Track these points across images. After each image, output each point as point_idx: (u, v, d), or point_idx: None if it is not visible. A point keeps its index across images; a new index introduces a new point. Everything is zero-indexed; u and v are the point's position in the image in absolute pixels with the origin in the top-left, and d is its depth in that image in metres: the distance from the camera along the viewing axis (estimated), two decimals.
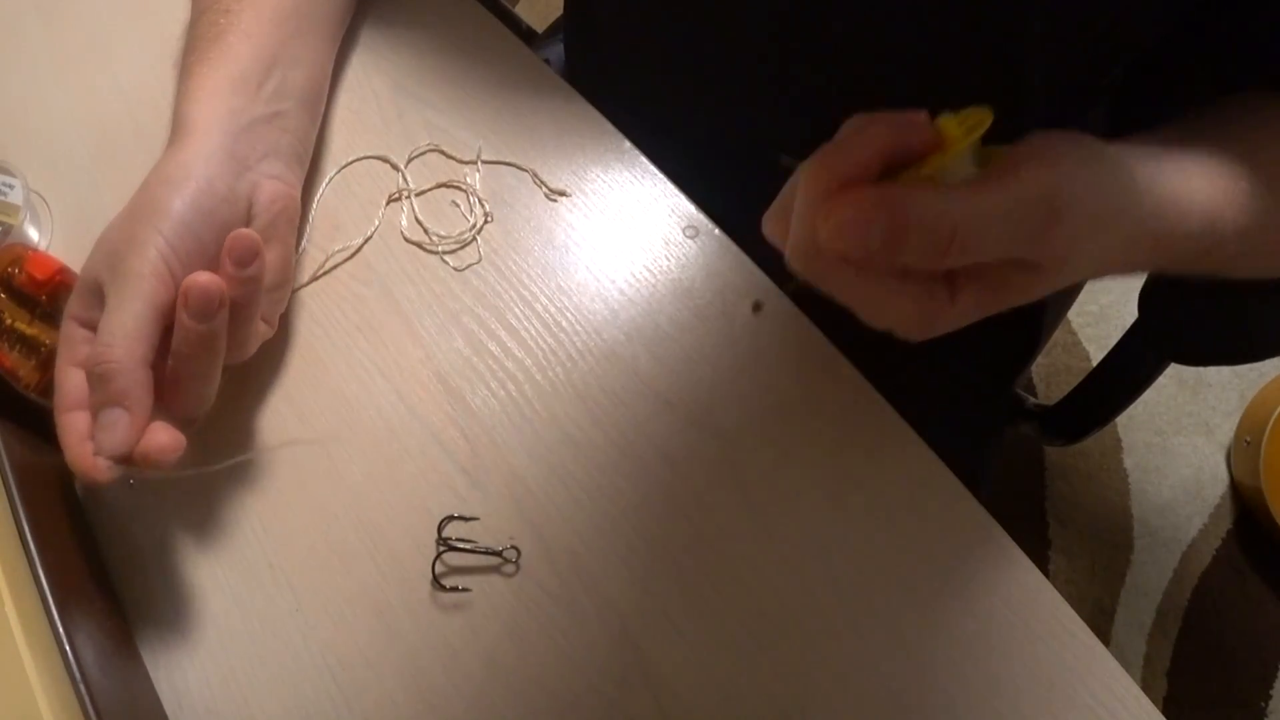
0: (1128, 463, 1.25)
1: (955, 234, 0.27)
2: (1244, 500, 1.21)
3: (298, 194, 0.46)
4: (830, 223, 0.27)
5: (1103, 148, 0.32)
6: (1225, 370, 1.29)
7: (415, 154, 0.51)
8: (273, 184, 0.43)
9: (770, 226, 0.32)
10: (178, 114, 0.43)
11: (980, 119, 0.30)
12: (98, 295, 0.39)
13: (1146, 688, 1.12)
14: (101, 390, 0.36)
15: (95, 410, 0.37)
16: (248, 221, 0.42)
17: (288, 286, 0.45)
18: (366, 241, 0.49)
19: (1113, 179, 0.31)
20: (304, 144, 0.47)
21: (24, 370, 0.43)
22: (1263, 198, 0.36)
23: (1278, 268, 0.40)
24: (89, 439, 0.37)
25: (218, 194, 0.41)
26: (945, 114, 0.30)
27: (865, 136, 0.30)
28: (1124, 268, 0.35)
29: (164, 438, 0.37)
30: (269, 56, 0.45)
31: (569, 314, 0.47)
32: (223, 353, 0.39)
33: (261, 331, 0.43)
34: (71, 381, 0.39)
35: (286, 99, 0.46)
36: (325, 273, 0.48)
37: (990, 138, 0.30)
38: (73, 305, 0.40)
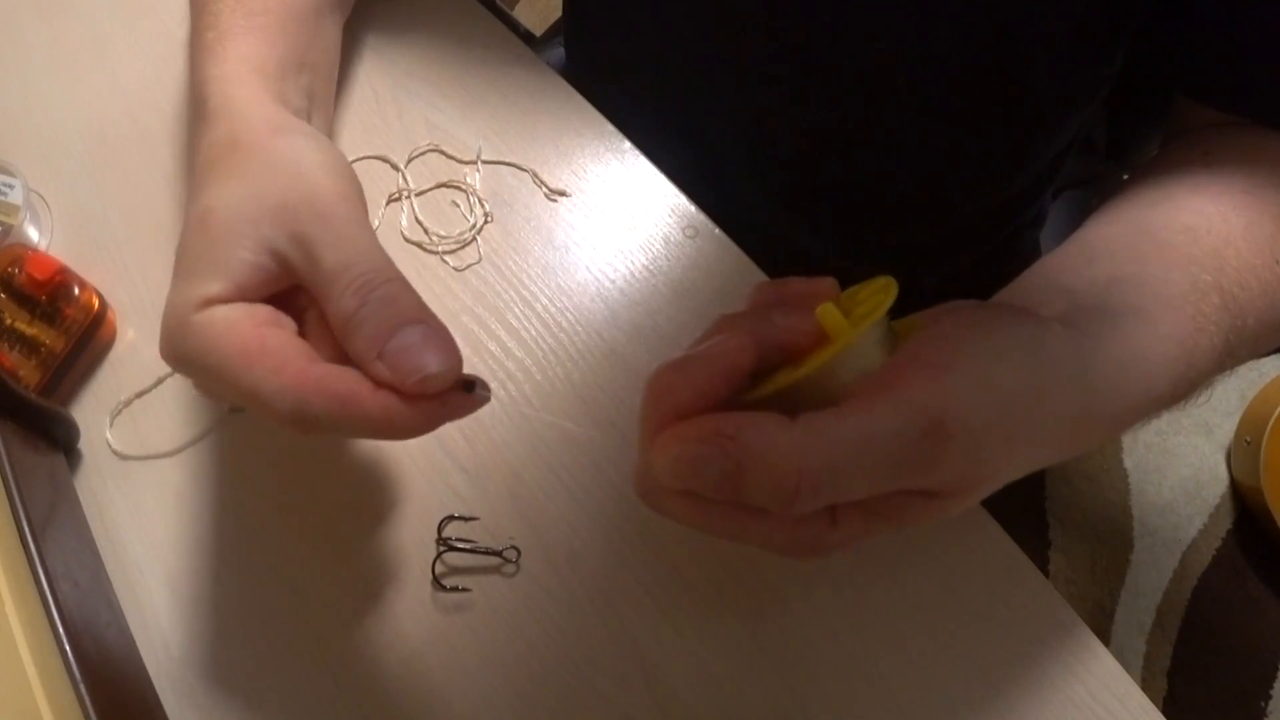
0: (1128, 463, 1.25)
1: (802, 478, 0.22)
2: (1244, 500, 1.21)
3: None
4: (662, 459, 0.24)
5: (1018, 328, 0.27)
6: None
7: (415, 154, 0.51)
8: None
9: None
10: (212, 89, 0.38)
11: (877, 301, 0.25)
12: (248, 264, 0.31)
13: (1146, 688, 1.12)
14: (387, 317, 0.29)
15: (374, 349, 0.29)
16: None
17: None
18: None
19: (1032, 367, 0.26)
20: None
21: (24, 370, 0.43)
22: (1238, 302, 0.33)
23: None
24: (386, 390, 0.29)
25: (331, 145, 0.36)
26: (829, 305, 0.25)
27: (714, 351, 0.25)
28: (1082, 446, 0.30)
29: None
30: (299, 55, 0.43)
31: (569, 314, 0.47)
32: None
33: None
34: (279, 336, 0.30)
35: (305, 99, 0.44)
36: None
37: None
38: (204, 288, 0.30)
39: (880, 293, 0.26)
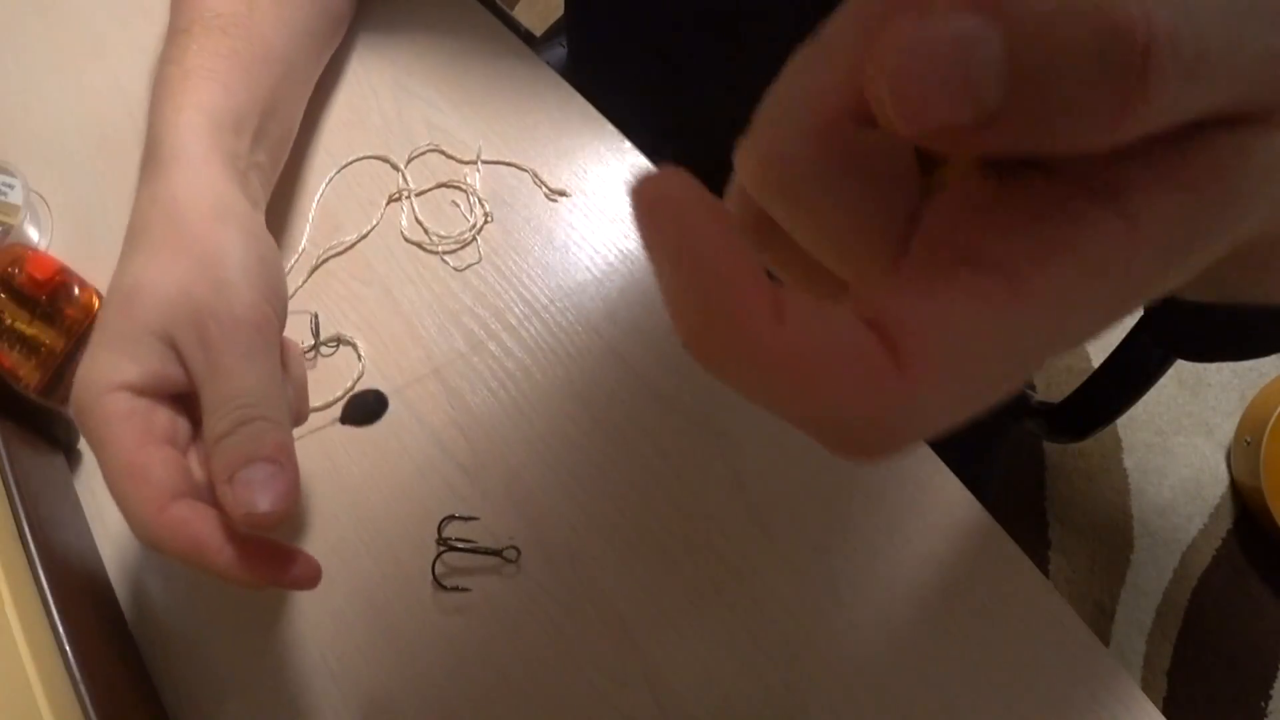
0: (1128, 463, 1.25)
1: (1147, 22, 0.11)
2: (1244, 500, 1.21)
3: None
4: (894, 37, 0.12)
5: None
6: (1225, 370, 1.29)
7: (415, 154, 0.51)
8: None
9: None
10: (165, 136, 0.39)
11: None
12: (163, 354, 0.34)
13: (1146, 688, 1.12)
14: (247, 449, 0.31)
15: (227, 473, 0.31)
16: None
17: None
18: (363, 238, 0.49)
19: None
20: (262, 202, 0.44)
21: (24, 370, 0.43)
22: None
23: None
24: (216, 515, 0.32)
25: (264, 238, 0.38)
26: None
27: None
28: None
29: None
30: (263, 102, 0.42)
31: (569, 314, 0.47)
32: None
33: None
34: (163, 461, 0.32)
35: (262, 152, 0.43)
36: (319, 265, 0.48)
37: None
38: (121, 371, 0.33)
39: None
